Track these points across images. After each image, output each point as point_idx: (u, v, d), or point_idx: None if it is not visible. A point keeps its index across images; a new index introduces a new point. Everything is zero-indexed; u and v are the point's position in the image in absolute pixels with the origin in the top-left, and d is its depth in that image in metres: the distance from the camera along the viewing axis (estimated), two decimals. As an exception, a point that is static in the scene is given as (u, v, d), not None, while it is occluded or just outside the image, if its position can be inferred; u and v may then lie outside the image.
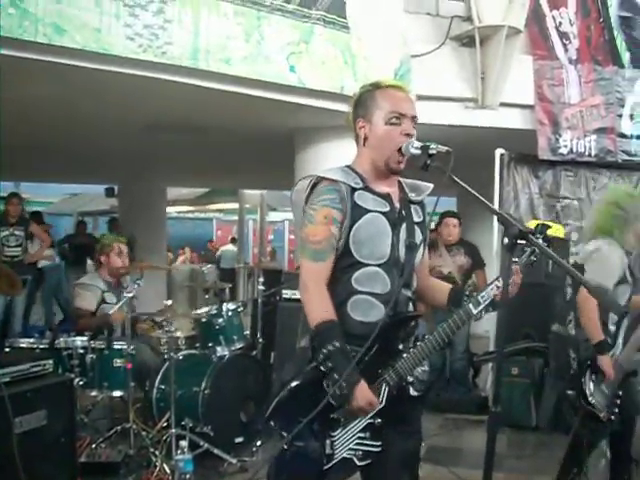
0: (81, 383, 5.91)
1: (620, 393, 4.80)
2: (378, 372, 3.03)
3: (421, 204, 3.28)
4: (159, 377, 6.27)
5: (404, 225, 3.14)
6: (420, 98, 7.84)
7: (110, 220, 17.17)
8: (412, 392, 3.08)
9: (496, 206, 8.37)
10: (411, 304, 3.20)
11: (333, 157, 7.15)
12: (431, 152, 2.90)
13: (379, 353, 3.01)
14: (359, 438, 3.03)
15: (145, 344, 6.67)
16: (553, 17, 9.01)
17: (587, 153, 8.96)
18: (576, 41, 9.10)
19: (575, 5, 9.15)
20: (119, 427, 5.98)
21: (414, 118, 3.10)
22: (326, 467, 3.00)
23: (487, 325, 9.33)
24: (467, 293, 3.24)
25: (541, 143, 8.69)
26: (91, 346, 6.04)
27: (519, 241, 2.67)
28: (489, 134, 8.67)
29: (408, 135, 3.04)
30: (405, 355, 3.03)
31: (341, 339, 2.94)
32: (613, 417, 4.79)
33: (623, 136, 9.23)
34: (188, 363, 6.43)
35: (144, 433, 5.93)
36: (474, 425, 7.40)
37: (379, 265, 3.05)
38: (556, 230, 8.16)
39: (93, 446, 5.81)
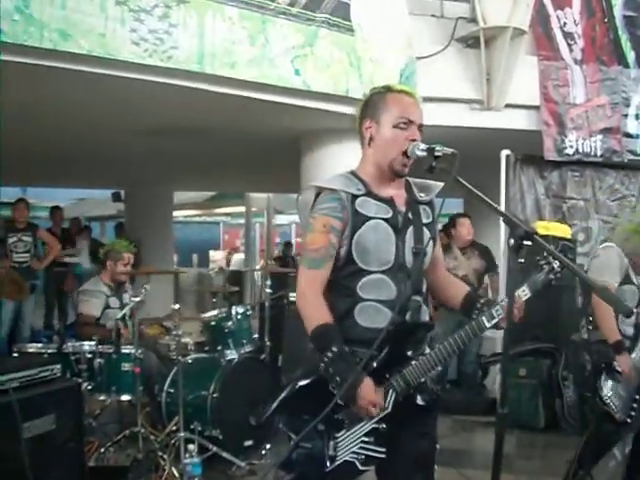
0: (89, 387, 5.94)
1: (638, 397, 4.79)
2: (386, 377, 3.02)
3: (430, 204, 3.27)
4: (168, 381, 6.27)
5: (410, 229, 3.13)
6: (425, 100, 7.82)
7: (117, 225, 17.18)
8: (419, 401, 3.08)
9: (502, 207, 8.37)
10: (424, 311, 3.19)
11: (339, 159, 7.21)
12: (437, 154, 2.90)
13: (388, 358, 3.01)
14: (363, 442, 3.02)
15: (150, 349, 6.67)
16: (557, 17, 8.99)
17: (593, 153, 8.94)
18: (581, 41, 9.08)
19: (580, 5, 9.14)
20: (127, 431, 5.98)
21: (421, 126, 3.12)
22: (328, 469, 3.00)
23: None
24: (479, 304, 3.21)
25: (547, 144, 8.67)
26: (99, 350, 6.06)
27: (525, 242, 2.67)
28: (495, 135, 8.65)
29: (414, 141, 3.04)
30: (414, 362, 3.03)
31: (338, 342, 2.95)
32: (629, 420, 4.78)
33: (629, 136, 9.21)
34: (197, 367, 6.43)
35: (152, 437, 5.94)
36: (483, 426, 7.39)
37: (383, 272, 3.06)
38: (563, 230, 8.16)
39: (102, 450, 5.82)
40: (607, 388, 4.76)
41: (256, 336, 7.18)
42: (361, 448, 3.02)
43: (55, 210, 12.78)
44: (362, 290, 3.06)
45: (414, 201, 3.21)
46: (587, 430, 5.08)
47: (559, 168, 8.93)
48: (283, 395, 3.09)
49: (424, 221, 3.20)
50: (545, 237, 7.67)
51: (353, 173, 3.19)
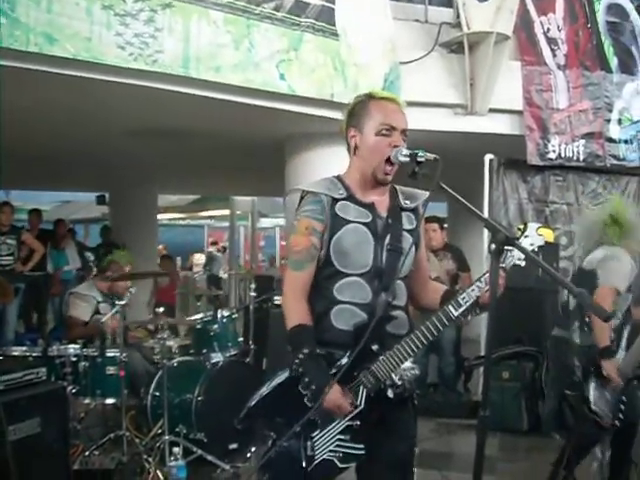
0: (74, 391, 5.93)
1: (624, 399, 4.83)
2: (354, 375, 3.04)
3: (415, 210, 3.28)
4: (153, 384, 6.27)
5: (389, 234, 3.16)
6: (409, 104, 7.76)
7: (103, 227, 17.12)
8: (389, 394, 3.06)
9: (485, 211, 8.43)
10: (393, 308, 3.18)
11: (323, 164, 7.23)
12: (419, 160, 2.92)
13: (354, 356, 3.00)
14: (339, 440, 3.05)
15: (136, 352, 6.67)
16: (541, 23, 9.06)
17: (575, 158, 9.01)
18: (564, 47, 9.15)
19: (563, 11, 9.21)
20: (112, 434, 5.97)
21: (404, 131, 3.13)
22: (309, 469, 3.03)
23: (479, 329, 9.35)
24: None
25: (530, 148, 8.73)
26: (84, 354, 6.07)
27: (506, 247, 2.71)
28: (478, 140, 8.70)
29: (396, 147, 3.05)
30: (381, 357, 3.03)
31: (311, 344, 3.00)
32: (617, 423, 4.81)
33: (611, 141, 9.29)
34: (182, 370, 6.43)
35: (137, 440, 5.93)
36: (466, 429, 7.40)
37: (360, 275, 3.09)
38: (546, 234, 8.20)
39: (86, 453, 5.79)
40: (594, 396, 4.79)
41: (241, 339, 7.19)
42: (338, 446, 3.05)
43: (32, 213, 12.69)
44: (338, 292, 3.10)
45: (398, 207, 3.24)
46: (567, 431, 5.11)
47: (542, 172, 8.99)
48: (260, 393, 3.16)
49: (406, 227, 3.22)
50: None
51: (339, 178, 3.22)
